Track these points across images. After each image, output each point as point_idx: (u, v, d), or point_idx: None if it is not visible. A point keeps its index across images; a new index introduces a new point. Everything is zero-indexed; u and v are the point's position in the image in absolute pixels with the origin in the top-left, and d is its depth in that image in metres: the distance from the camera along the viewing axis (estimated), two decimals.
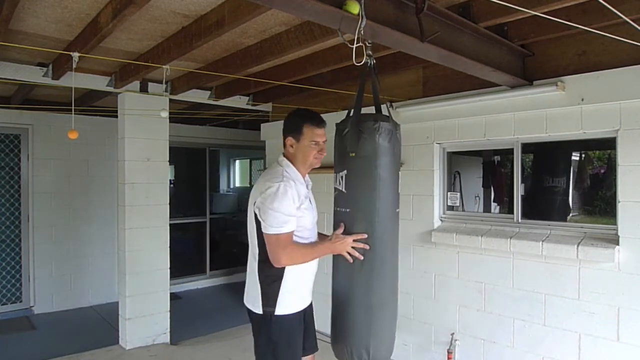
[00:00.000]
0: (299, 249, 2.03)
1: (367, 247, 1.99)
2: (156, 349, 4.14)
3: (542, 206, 3.72)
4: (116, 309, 4.32)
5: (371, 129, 1.94)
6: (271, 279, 2.03)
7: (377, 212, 1.99)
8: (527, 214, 3.20)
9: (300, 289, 2.11)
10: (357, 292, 2.05)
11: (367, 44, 1.91)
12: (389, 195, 2.02)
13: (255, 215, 2.01)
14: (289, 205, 1.95)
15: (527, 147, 3.32)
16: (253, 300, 2.08)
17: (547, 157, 3.83)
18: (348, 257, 2.01)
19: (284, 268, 2.02)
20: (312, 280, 2.20)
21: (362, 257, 1.99)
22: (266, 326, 2.03)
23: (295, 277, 2.05)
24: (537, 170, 3.96)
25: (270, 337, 2.03)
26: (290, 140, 2.11)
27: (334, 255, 2.10)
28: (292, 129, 2.11)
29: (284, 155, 2.15)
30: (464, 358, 3.37)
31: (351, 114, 2.06)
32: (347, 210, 2.03)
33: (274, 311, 2.01)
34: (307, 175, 2.21)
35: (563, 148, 3.78)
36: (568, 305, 2.85)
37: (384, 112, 2.14)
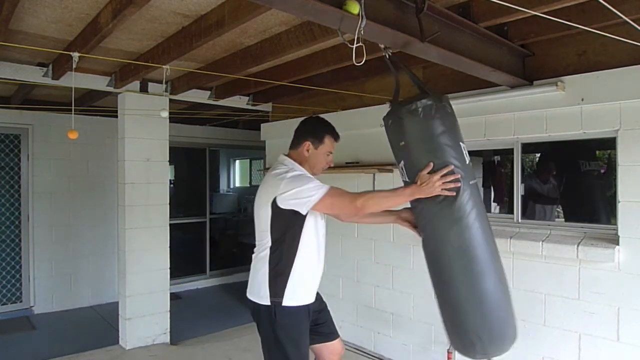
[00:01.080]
0: (377, 193, 2.01)
1: (459, 176, 1.80)
2: (156, 349, 4.14)
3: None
4: (116, 309, 4.32)
5: (410, 112, 1.84)
6: (280, 270, 2.04)
7: (469, 190, 1.84)
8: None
9: (308, 282, 2.13)
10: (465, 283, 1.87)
11: (384, 47, 1.95)
12: (458, 168, 1.84)
13: (274, 210, 2.01)
14: (313, 179, 2.02)
15: (527, 147, 3.32)
16: (259, 291, 2.07)
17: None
18: (445, 192, 1.80)
19: (294, 261, 2.03)
20: (319, 275, 2.21)
21: (454, 193, 1.79)
22: (272, 318, 2.03)
23: (304, 269, 2.08)
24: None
25: (276, 328, 2.03)
26: (308, 144, 2.16)
27: (432, 264, 1.96)
28: (314, 135, 2.17)
29: (288, 156, 2.19)
30: (464, 358, 3.36)
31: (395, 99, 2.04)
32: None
33: (281, 302, 2.02)
34: None
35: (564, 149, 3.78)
36: (568, 305, 2.85)
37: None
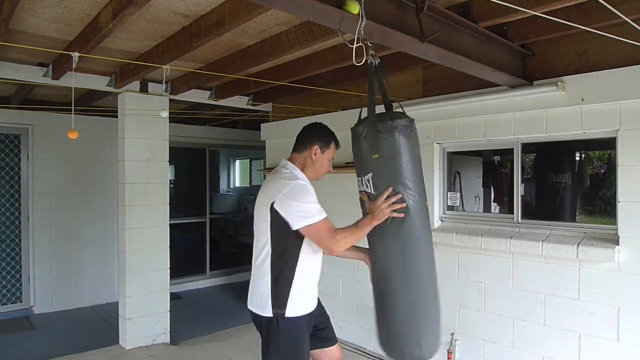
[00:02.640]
0: (346, 231, 2.00)
1: (400, 195, 1.88)
2: (156, 349, 4.14)
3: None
4: (116, 309, 4.32)
5: (389, 128, 1.87)
6: (283, 280, 2.00)
7: (408, 210, 1.92)
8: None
9: (310, 290, 2.11)
10: (398, 292, 1.99)
11: (369, 45, 1.90)
12: (417, 190, 1.94)
13: (273, 213, 1.98)
14: (315, 196, 2.00)
15: (527, 147, 3.32)
16: (260, 302, 2.04)
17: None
18: (394, 214, 1.89)
19: (295, 269, 2.01)
20: (318, 281, 2.20)
21: (402, 215, 1.88)
22: (275, 329, 2.00)
23: (306, 278, 2.06)
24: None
25: (278, 340, 2.00)
26: (317, 148, 2.16)
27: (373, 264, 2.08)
28: (322, 139, 2.18)
29: (290, 160, 2.18)
30: (464, 358, 3.37)
31: (362, 116, 2.03)
32: None
33: (284, 313, 1.98)
34: None
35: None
36: (568, 305, 2.85)
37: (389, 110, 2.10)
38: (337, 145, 2.25)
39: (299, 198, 1.96)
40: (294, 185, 1.99)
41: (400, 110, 2.03)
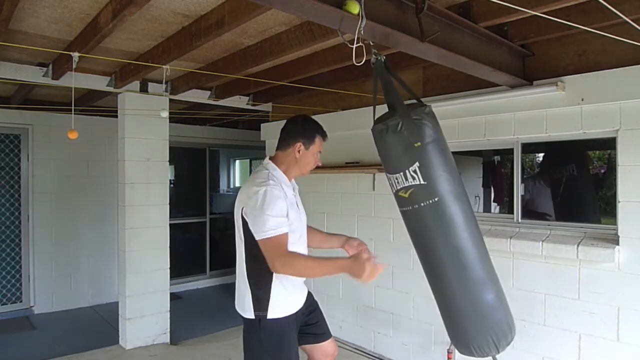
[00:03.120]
0: (301, 259, 1.94)
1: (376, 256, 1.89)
2: (156, 349, 4.14)
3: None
4: (116, 309, 4.32)
5: (425, 113, 1.89)
6: (262, 283, 1.98)
7: (464, 193, 1.94)
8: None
9: (292, 290, 2.06)
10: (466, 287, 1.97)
11: (370, 44, 1.90)
12: (457, 172, 1.95)
13: (243, 219, 1.96)
14: (279, 207, 1.90)
15: (527, 147, 3.32)
16: (243, 304, 2.03)
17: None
18: (369, 280, 1.83)
19: (272, 273, 1.95)
20: (304, 280, 2.17)
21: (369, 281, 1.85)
22: (257, 331, 1.99)
23: (286, 281, 2.01)
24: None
25: (262, 341, 1.99)
26: (300, 145, 2.07)
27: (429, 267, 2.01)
28: (305, 135, 2.09)
29: (271, 158, 2.12)
30: (464, 358, 3.36)
31: (374, 113, 2.01)
32: (436, 199, 1.87)
33: (266, 315, 1.97)
34: (292, 179, 2.19)
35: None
36: (568, 305, 2.85)
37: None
38: (324, 137, 2.15)
39: (261, 208, 1.87)
40: (262, 194, 1.89)
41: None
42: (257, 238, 1.89)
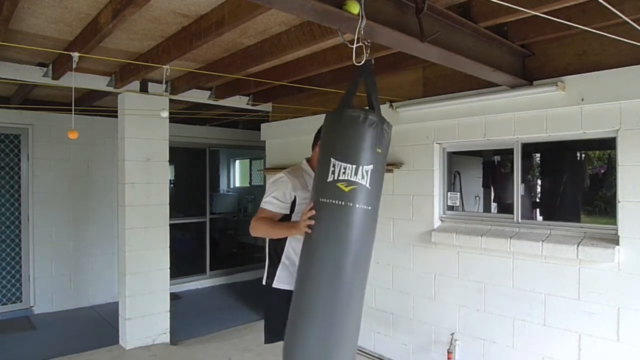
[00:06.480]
0: (263, 223, 2.27)
1: (314, 212, 1.90)
2: (156, 349, 4.14)
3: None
4: (116, 309, 4.32)
5: (389, 128, 1.93)
6: (273, 256, 2.38)
7: (378, 214, 1.96)
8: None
9: (295, 271, 2.25)
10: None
11: (367, 44, 1.90)
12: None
13: None
14: (279, 190, 2.29)
15: (527, 147, 3.32)
16: (265, 273, 2.44)
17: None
18: (307, 230, 1.93)
19: (282, 248, 2.33)
20: None
21: (310, 231, 1.91)
22: (266, 294, 2.40)
23: (295, 256, 2.28)
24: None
25: (266, 303, 2.46)
26: (317, 147, 2.32)
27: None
28: (318, 139, 2.34)
29: (308, 159, 2.45)
30: (464, 358, 3.37)
31: (362, 109, 1.99)
32: (369, 208, 1.86)
33: (271, 283, 2.36)
34: None
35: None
36: (568, 305, 2.85)
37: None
38: None
39: (268, 187, 2.35)
40: (275, 177, 2.36)
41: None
42: (261, 207, 2.32)
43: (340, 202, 1.84)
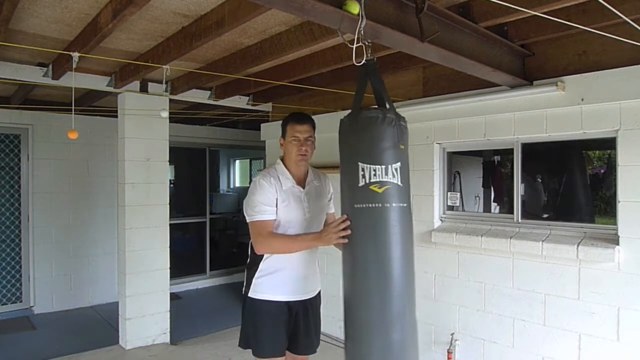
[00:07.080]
0: (278, 238, 2.11)
1: (349, 222, 1.85)
2: (156, 349, 4.14)
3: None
4: (116, 309, 4.32)
5: (405, 123, 1.92)
6: (251, 264, 2.24)
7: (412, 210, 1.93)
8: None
9: (275, 279, 2.18)
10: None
11: (367, 44, 1.89)
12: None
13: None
14: (263, 194, 2.11)
15: (527, 147, 3.32)
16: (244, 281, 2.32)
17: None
18: (341, 241, 1.89)
19: (261, 256, 2.17)
20: (295, 275, 2.20)
21: (346, 241, 1.86)
22: (243, 306, 2.27)
23: (270, 266, 2.18)
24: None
25: (244, 315, 2.27)
26: (280, 140, 2.31)
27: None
28: (282, 130, 2.29)
29: (280, 157, 2.32)
30: (464, 358, 3.37)
31: (379, 107, 1.99)
32: (405, 205, 1.84)
33: (248, 292, 2.23)
34: (313, 174, 2.32)
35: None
36: (568, 305, 2.85)
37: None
38: (295, 121, 2.22)
39: (249, 193, 2.17)
40: (253, 181, 2.22)
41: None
42: (247, 220, 2.14)
43: (377, 205, 1.81)
